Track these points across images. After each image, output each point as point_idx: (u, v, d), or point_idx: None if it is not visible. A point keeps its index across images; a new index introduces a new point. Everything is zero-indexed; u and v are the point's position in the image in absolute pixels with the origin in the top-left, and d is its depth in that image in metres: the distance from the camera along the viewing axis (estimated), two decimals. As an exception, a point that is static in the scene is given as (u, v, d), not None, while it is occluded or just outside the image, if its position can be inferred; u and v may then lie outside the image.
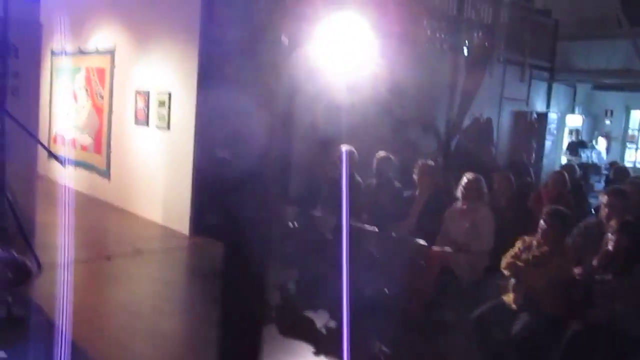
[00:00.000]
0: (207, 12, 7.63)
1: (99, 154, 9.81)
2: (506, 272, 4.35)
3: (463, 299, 5.03)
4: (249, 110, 8.04)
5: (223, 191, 7.60)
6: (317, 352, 4.58)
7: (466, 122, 11.27)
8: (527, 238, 4.44)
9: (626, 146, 14.65)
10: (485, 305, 4.38)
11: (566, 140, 14.24)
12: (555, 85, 13.39)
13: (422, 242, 5.19)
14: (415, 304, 5.05)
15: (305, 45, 7.54)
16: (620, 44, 12.16)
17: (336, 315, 5.14)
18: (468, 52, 11.13)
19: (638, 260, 3.99)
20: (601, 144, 13.92)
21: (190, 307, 5.58)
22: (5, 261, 3.88)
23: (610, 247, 4.08)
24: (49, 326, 4.07)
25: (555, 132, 13.44)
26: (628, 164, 13.35)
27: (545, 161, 12.79)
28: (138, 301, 5.45)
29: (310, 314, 5.33)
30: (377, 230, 5.51)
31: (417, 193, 6.02)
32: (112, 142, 9.48)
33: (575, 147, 13.16)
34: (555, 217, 4.29)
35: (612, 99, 14.25)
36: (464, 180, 5.49)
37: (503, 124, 12.37)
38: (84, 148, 10.26)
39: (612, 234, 4.13)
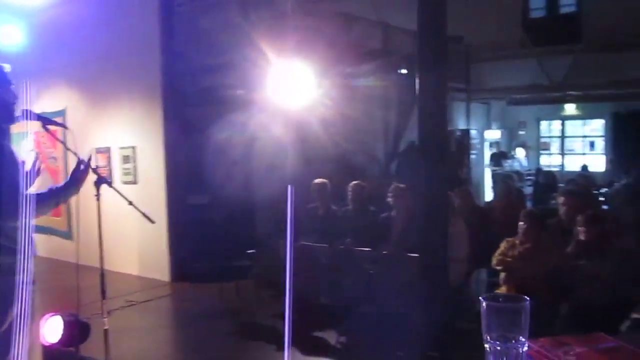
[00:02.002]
0: (168, 66, 8.06)
1: (58, 216, 9.87)
2: (498, 268, 5.03)
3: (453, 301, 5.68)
4: (216, 155, 8.50)
5: (201, 235, 8.00)
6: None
7: (402, 146, 12.12)
8: (509, 239, 5.14)
9: (540, 153, 16.08)
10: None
11: (487, 153, 15.42)
12: (472, 105, 14.54)
13: (413, 255, 5.80)
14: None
15: (261, 90, 8.11)
16: (526, 63, 13.42)
17: (347, 331, 5.68)
18: (396, 82, 12.01)
19: (606, 245, 4.79)
20: (520, 153, 15.19)
21: (209, 343, 5.90)
22: (72, 322, 4.17)
23: (582, 237, 4.83)
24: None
25: (477, 146, 14.59)
26: (547, 169, 14.65)
27: (471, 174, 13.86)
28: (160, 346, 5.79)
29: (319, 333, 5.80)
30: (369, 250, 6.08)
31: (393, 214, 6.65)
32: (71, 203, 9.58)
33: (498, 158, 14.31)
34: (532, 217, 5.03)
35: (524, 113, 15.60)
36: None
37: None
38: (38, 212, 10.26)
39: (580, 227, 4.89)
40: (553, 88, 13.37)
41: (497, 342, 0.94)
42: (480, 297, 0.98)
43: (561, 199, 5.80)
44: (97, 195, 3.40)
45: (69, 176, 3.16)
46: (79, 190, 3.09)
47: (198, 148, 8.11)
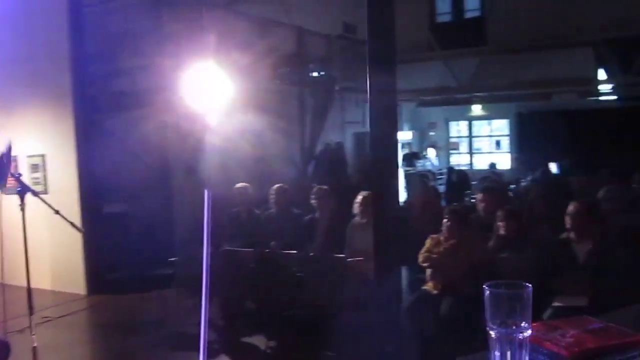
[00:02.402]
0: (78, 70, 7.73)
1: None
2: (425, 265, 5.15)
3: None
4: (133, 162, 8.24)
5: (119, 244, 7.73)
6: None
7: (318, 148, 12.23)
8: (434, 236, 5.27)
9: (450, 153, 16.67)
10: (411, 297, 5.13)
11: (399, 153, 15.80)
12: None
13: (339, 256, 5.85)
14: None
15: (176, 93, 7.95)
16: (434, 65, 13.86)
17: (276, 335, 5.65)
18: (311, 85, 12.12)
19: (525, 238, 5.01)
20: (431, 153, 15.67)
21: (132, 357, 5.71)
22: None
23: (502, 232, 5.03)
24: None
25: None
26: (458, 168, 15.18)
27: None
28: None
29: (248, 339, 5.75)
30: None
31: (317, 215, 6.67)
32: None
33: (411, 159, 14.70)
34: (456, 214, 5.18)
35: (433, 114, 16.12)
36: (360, 197, 6.23)
37: (348, 146, 13.53)
38: None
39: (500, 222, 5.09)
40: (460, 90, 13.88)
41: (501, 329, 0.96)
42: (483, 285, 0.99)
43: (479, 196, 6.03)
44: (22, 205, 3.19)
45: None
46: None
47: (113, 155, 7.83)
